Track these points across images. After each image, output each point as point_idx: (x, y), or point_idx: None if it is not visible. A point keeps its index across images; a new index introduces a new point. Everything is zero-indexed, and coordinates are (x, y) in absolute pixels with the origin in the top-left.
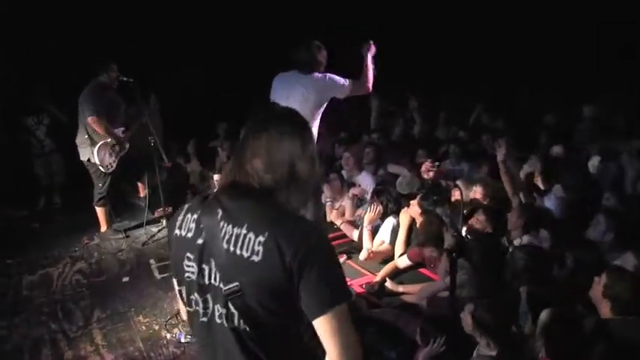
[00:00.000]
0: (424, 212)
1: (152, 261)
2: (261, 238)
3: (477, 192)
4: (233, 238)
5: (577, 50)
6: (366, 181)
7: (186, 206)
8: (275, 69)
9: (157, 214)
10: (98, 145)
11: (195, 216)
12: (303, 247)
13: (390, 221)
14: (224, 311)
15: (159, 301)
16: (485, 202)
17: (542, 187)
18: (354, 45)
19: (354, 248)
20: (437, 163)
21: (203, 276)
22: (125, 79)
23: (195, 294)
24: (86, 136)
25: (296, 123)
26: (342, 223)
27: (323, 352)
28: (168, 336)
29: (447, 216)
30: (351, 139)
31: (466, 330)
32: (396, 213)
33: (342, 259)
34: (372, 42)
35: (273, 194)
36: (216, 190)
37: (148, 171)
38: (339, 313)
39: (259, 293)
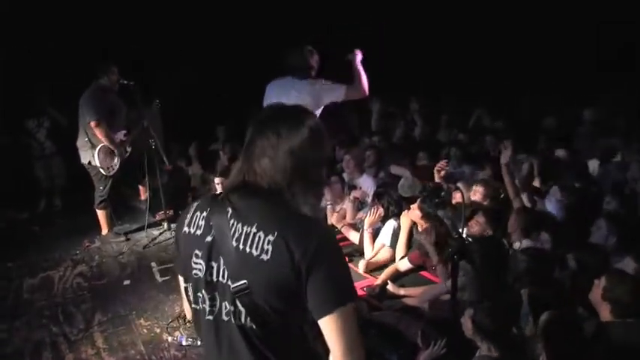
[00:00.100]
0: (425, 215)
1: (153, 264)
2: (270, 237)
3: (476, 192)
4: (243, 237)
5: (577, 51)
6: (367, 184)
7: (195, 204)
8: (275, 69)
9: (158, 217)
10: (98, 147)
11: (204, 214)
12: (311, 247)
13: (390, 224)
14: (231, 308)
15: (160, 304)
16: (485, 203)
17: (540, 188)
18: (342, 54)
19: (356, 251)
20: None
21: (211, 273)
22: (126, 81)
23: (203, 291)
24: (86, 139)
25: (304, 120)
26: (342, 226)
27: (326, 352)
28: (170, 339)
29: (449, 218)
30: (352, 141)
31: (467, 334)
32: (397, 216)
33: None
34: (357, 50)
35: (281, 193)
36: (225, 189)
37: (149, 174)
38: (345, 313)
39: (267, 291)
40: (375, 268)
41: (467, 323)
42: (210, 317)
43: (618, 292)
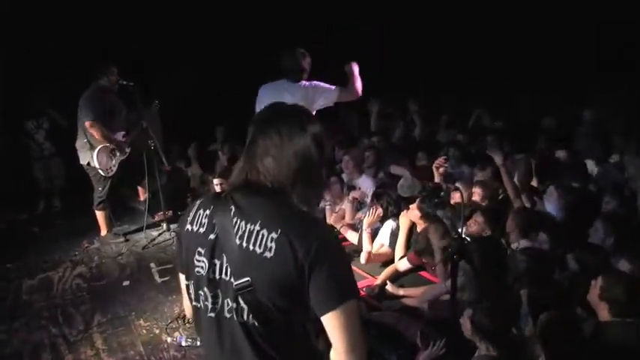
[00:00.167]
0: (424, 215)
1: (152, 265)
2: (274, 235)
3: (475, 193)
4: (246, 234)
5: (577, 51)
6: (366, 185)
7: (197, 202)
8: (274, 70)
9: (157, 218)
10: (97, 148)
11: (207, 212)
12: (314, 245)
13: (389, 224)
14: (234, 305)
15: (159, 304)
16: (484, 204)
17: (537, 188)
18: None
19: (355, 252)
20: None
21: (214, 271)
22: (125, 82)
23: (205, 288)
24: (85, 140)
25: (306, 120)
26: (341, 227)
27: (328, 348)
28: (169, 340)
29: (448, 218)
30: (351, 142)
31: (466, 335)
32: (396, 216)
33: None
34: (353, 63)
35: (285, 193)
36: (228, 187)
37: (148, 175)
38: (348, 310)
39: (270, 289)
40: (375, 261)
41: (466, 323)
42: (212, 315)
43: (615, 291)
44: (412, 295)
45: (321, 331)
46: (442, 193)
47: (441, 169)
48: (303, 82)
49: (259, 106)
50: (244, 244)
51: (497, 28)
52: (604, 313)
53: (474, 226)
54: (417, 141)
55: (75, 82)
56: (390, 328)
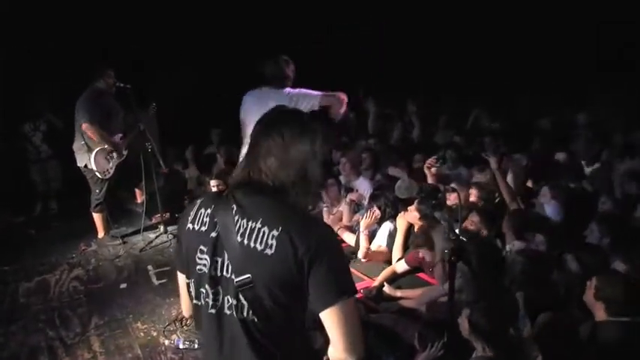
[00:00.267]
0: (423, 217)
1: (150, 267)
2: (275, 232)
3: (471, 194)
4: (247, 232)
5: (577, 51)
6: (363, 187)
7: (198, 201)
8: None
9: (154, 220)
10: (95, 151)
11: (209, 211)
12: (314, 243)
13: (386, 226)
14: (234, 302)
15: (157, 307)
16: (480, 204)
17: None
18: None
19: (352, 253)
20: (441, 160)
21: (215, 268)
22: (122, 84)
23: (206, 286)
24: (82, 143)
25: (307, 123)
26: (339, 229)
27: (325, 345)
28: (167, 342)
29: (445, 219)
30: (349, 143)
31: (463, 334)
32: (394, 217)
33: None
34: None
35: (285, 192)
36: (230, 186)
37: (146, 177)
38: (346, 306)
39: (270, 285)
40: (374, 258)
41: (464, 323)
42: (213, 311)
43: (610, 291)
44: (410, 296)
45: (319, 329)
46: (439, 195)
47: (433, 169)
48: (288, 90)
49: (244, 114)
50: (245, 242)
51: (497, 28)
52: (600, 313)
53: (471, 226)
54: (415, 142)
55: (74, 83)
56: (388, 329)
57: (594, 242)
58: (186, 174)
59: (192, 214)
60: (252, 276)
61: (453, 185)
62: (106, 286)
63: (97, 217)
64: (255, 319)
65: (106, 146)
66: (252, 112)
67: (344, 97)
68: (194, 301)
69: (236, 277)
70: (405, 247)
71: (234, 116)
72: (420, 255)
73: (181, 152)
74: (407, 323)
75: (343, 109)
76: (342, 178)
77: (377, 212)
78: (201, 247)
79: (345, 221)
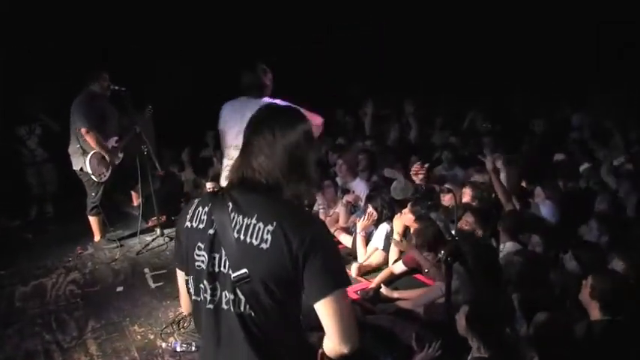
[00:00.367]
0: (418, 218)
1: (146, 270)
2: (269, 227)
3: (466, 194)
4: (243, 228)
5: (577, 51)
6: (360, 188)
7: (196, 201)
8: (273, 69)
9: (150, 223)
10: (90, 154)
11: (206, 209)
12: (308, 237)
13: (383, 227)
14: (232, 297)
15: (154, 310)
16: (474, 204)
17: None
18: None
19: (349, 255)
20: (426, 165)
21: (213, 264)
22: (117, 87)
23: (205, 282)
24: (78, 146)
25: (297, 119)
26: (335, 230)
27: (319, 340)
28: (164, 345)
29: (441, 220)
30: (345, 145)
31: (460, 332)
32: (390, 219)
33: None
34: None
35: (279, 188)
36: (225, 186)
37: (142, 180)
38: (340, 297)
39: (266, 280)
40: (367, 272)
41: (461, 320)
42: (211, 306)
43: (605, 290)
44: (407, 297)
45: (315, 326)
46: (435, 196)
47: (420, 176)
48: (265, 99)
49: (224, 126)
50: (241, 237)
51: (498, 28)
52: (595, 312)
53: (465, 226)
54: (413, 143)
55: (74, 84)
56: (386, 330)
57: (592, 240)
58: (183, 176)
59: (190, 212)
60: (248, 271)
61: (447, 186)
62: (102, 289)
63: (93, 221)
64: (252, 314)
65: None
66: (230, 122)
67: (320, 121)
68: (194, 298)
69: (233, 272)
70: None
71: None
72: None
73: (177, 155)
74: (404, 324)
75: (318, 133)
76: (338, 180)
77: (374, 214)
78: (199, 244)
79: (341, 223)
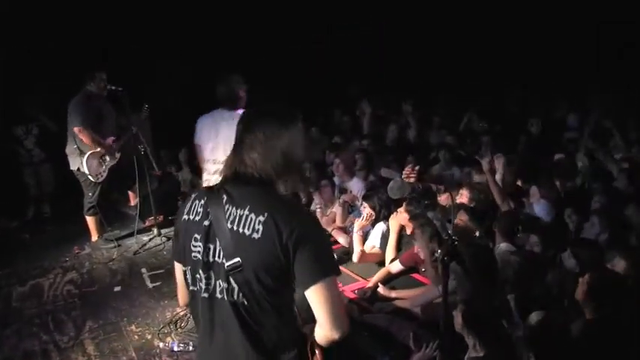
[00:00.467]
0: (412, 217)
1: (144, 270)
2: (261, 218)
3: (463, 195)
4: (237, 219)
5: (577, 51)
6: (357, 188)
7: (193, 195)
8: (273, 69)
9: (148, 223)
10: (87, 154)
11: (202, 202)
12: (297, 227)
13: (380, 226)
14: (225, 285)
15: (151, 310)
16: (472, 205)
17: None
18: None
19: (346, 254)
20: (417, 168)
21: (208, 254)
22: (114, 87)
23: (200, 271)
24: (75, 146)
25: (288, 119)
26: (332, 230)
27: (311, 333)
28: (161, 345)
29: (438, 220)
30: (342, 144)
31: (456, 329)
32: (387, 218)
33: None
34: None
35: (270, 182)
36: (220, 181)
37: (139, 180)
38: (329, 284)
39: (258, 268)
40: (367, 259)
41: (457, 317)
42: (206, 295)
43: (601, 289)
44: (404, 297)
45: (309, 321)
46: (432, 195)
47: (412, 179)
48: (240, 110)
49: (200, 139)
50: (235, 228)
51: (498, 28)
52: (591, 310)
53: (461, 224)
54: (412, 143)
55: (73, 84)
56: (383, 330)
57: (592, 237)
58: (180, 176)
59: (187, 206)
60: (241, 260)
61: (444, 185)
62: (100, 289)
63: (90, 221)
64: (245, 302)
65: (98, 149)
66: (204, 138)
67: None
68: (190, 288)
69: (227, 261)
70: (398, 248)
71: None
72: (415, 250)
73: (174, 154)
74: (401, 323)
75: None
76: (335, 179)
77: (372, 213)
78: (196, 235)
79: (338, 222)
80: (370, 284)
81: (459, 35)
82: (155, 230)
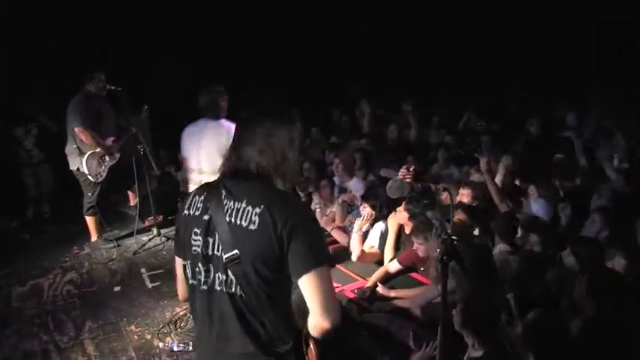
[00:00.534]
0: (411, 217)
1: (143, 270)
2: (257, 210)
3: (463, 195)
4: (234, 212)
5: (577, 51)
6: (356, 187)
7: (193, 192)
8: (273, 69)
9: (147, 223)
10: (86, 154)
11: (202, 197)
12: (291, 218)
13: (379, 226)
14: (223, 278)
15: (151, 310)
16: (474, 204)
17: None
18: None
19: (345, 254)
20: (412, 168)
21: (207, 247)
22: (113, 87)
23: (200, 265)
24: (75, 146)
25: (285, 118)
26: (332, 229)
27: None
28: (161, 345)
29: (437, 219)
30: (341, 144)
31: (456, 327)
32: (386, 218)
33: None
34: None
35: (267, 177)
36: (219, 176)
37: (138, 180)
38: (322, 273)
39: (255, 259)
40: (367, 259)
41: (457, 316)
42: (205, 287)
43: (600, 287)
44: (403, 296)
45: (304, 312)
46: (431, 195)
47: (408, 180)
48: (224, 122)
49: (186, 150)
50: (232, 220)
51: (498, 28)
52: (590, 309)
53: (457, 223)
54: (412, 142)
55: (73, 84)
56: (382, 329)
57: (592, 235)
58: (179, 176)
59: (188, 202)
60: (239, 252)
61: (443, 185)
62: (99, 289)
63: (89, 221)
64: (243, 294)
65: (97, 150)
66: (188, 150)
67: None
68: (190, 282)
69: (225, 253)
70: (397, 247)
71: (229, 118)
72: (415, 247)
73: (174, 155)
74: (401, 323)
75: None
76: (335, 179)
77: (372, 212)
78: (195, 229)
79: (337, 222)
80: (369, 284)
81: (458, 35)
82: (154, 230)
